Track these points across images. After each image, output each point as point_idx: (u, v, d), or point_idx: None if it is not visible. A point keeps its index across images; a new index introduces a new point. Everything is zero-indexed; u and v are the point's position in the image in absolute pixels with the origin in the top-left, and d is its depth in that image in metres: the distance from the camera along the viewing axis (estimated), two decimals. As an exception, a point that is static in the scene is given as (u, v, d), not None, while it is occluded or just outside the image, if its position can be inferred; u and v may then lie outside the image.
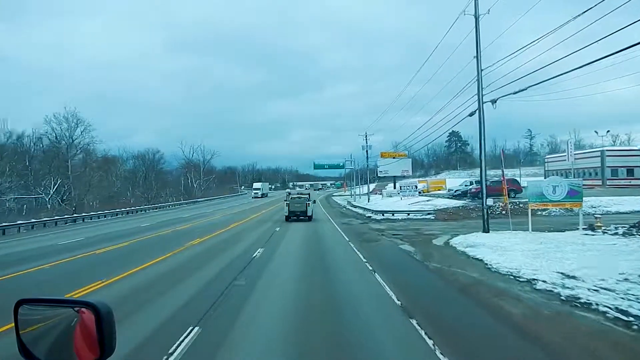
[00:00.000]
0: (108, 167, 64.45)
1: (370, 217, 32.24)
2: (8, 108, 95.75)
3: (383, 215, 31.25)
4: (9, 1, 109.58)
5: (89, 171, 58.30)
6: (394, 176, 67.03)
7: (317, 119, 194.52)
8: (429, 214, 28.99)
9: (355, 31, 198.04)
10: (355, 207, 46.79)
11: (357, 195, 61.53)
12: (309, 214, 28.23)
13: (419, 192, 44.81)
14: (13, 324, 1.59)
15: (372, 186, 70.67)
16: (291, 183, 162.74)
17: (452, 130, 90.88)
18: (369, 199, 54.29)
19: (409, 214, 29.75)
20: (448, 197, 40.06)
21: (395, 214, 30.55)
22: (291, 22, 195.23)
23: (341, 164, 59.84)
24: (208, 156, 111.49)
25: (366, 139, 58.81)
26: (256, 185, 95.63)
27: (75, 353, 1.53)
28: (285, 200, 29.08)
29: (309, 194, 30.55)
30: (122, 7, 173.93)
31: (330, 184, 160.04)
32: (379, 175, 69.84)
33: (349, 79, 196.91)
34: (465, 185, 41.36)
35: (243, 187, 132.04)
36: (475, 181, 42.29)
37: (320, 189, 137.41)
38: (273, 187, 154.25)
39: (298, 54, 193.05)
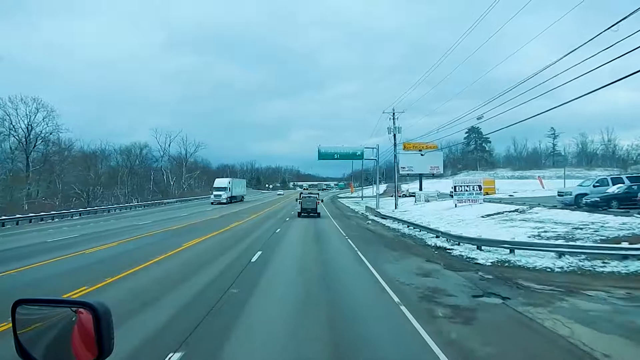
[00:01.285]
0: (80, 160, 55.94)
1: (450, 252, 14.31)
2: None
3: (480, 249, 13.37)
4: (9, 1, 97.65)
5: (55, 164, 49.02)
6: (420, 174, 50.34)
7: (317, 119, 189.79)
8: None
9: (355, 31, 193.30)
10: (385, 218, 28.77)
11: (372, 197, 43.85)
12: (318, 211, 33.33)
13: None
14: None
15: (382, 187, 56.99)
16: (291, 183, 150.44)
17: (472, 126, 74.19)
18: (396, 205, 37.31)
19: (560, 255, 11.65)
20: (552, 206, 22.06)
21: (515, 250, 12.52)
22: (291, 22, 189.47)
23: (358, 153, 41.62)
24: (192, 149, 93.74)
25: (394, 119, 40.97)
26: (218, 182, 58.02)
27: (73, 353, 1.49)
28: (297, 199, 34.84)
29: (318, 194, 36.87)
30: (122, 6, 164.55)
31: (334, 184, 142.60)
32: (400, 172, 53.13)
33: (349, 78, 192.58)
34: (594, 186, 22.62)
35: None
36: (615, 178, 23.76)
37: (324, 189, 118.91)
38: (271, 186, 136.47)
39: (298, 54, 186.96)
